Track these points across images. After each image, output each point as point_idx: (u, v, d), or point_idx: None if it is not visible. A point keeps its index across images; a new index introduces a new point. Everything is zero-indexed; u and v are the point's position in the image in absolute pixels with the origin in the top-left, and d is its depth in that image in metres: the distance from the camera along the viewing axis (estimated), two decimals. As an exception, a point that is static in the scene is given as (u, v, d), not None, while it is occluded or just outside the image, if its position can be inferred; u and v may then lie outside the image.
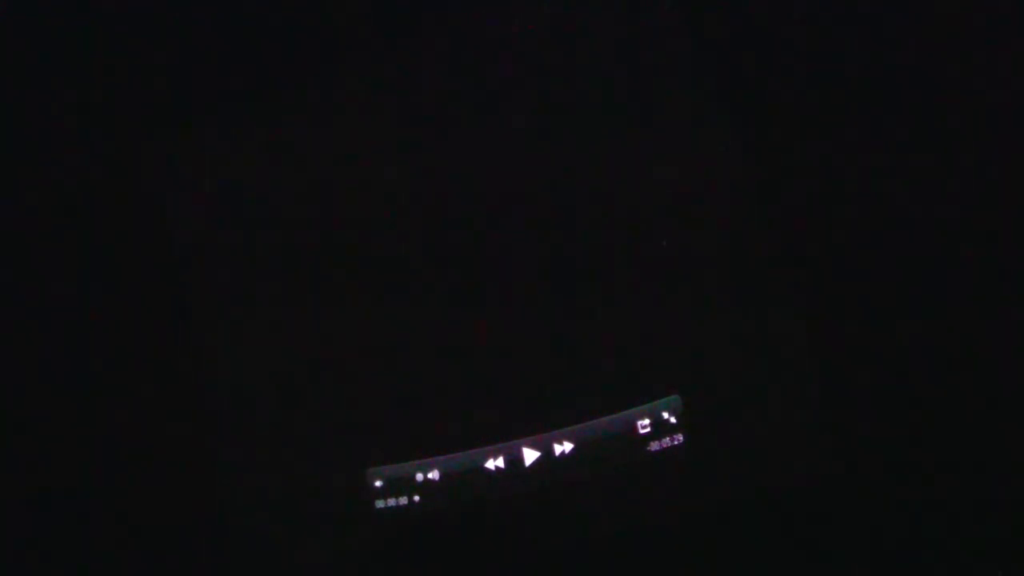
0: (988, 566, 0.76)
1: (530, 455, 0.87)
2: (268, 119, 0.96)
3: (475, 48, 0.92)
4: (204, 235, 0.97)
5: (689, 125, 0.86)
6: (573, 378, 0.87)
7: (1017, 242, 0.80)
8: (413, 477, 0.89)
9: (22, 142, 0.99)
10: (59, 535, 0.93)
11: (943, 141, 0.82)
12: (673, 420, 0.84)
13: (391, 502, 0.89)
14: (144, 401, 0.95)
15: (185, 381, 0.95)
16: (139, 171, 0.98)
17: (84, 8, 0.97)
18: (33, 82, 0.99)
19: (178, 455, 0.94)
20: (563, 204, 0.88)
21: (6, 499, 0.95)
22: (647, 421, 0.85)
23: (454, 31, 0.92)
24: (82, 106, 0.99)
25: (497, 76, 0.91)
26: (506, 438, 0.87)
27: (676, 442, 0.84)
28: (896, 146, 0.83)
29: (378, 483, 0.89)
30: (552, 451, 0.86)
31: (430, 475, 0.88)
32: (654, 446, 0.84)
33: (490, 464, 0.87)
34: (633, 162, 0.87)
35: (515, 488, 0.87)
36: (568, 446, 0.86)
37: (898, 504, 0.79)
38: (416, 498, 0.89)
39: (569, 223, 0.88)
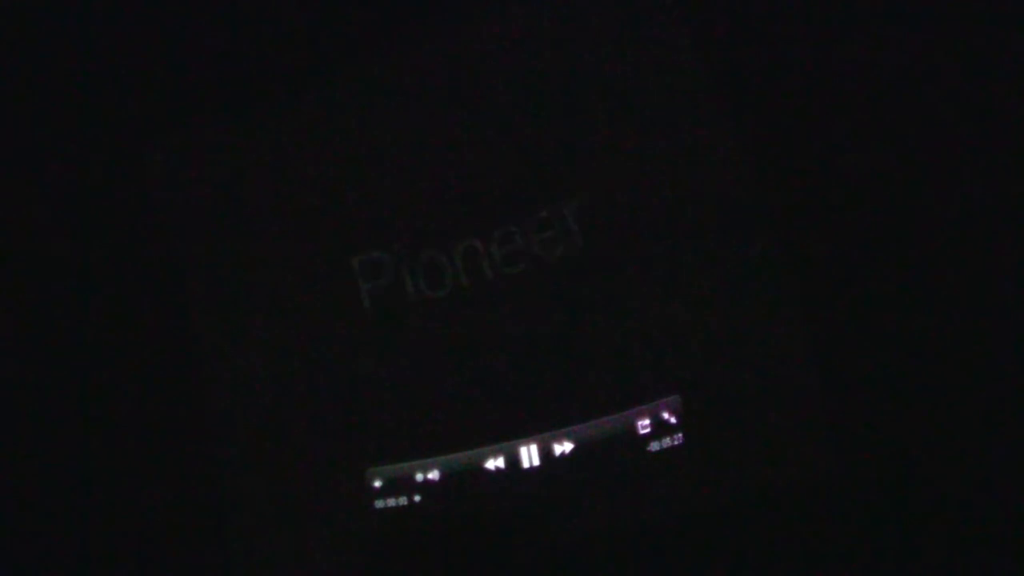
0: (989, 566, 0.76)
1: (530, 455, 0.87)
2: (268, 120, 0.96)
3: (475, 48, 0.91)
4: (204, 235, 0.97)
5: (689, 124, 0.86)
6: (573, 378, 0.87)
7: (1019, 241, 0.80)
8: (413, 477, 0.89)
9: (20, 141, 0.99)
10: (58, 535, 0.93)
11: (945, 140, 0.82)
12: (673, 420, 0.84)
13: (391, 502, 0.89)
14: (143, 401, 0.95)
15: (185, 381, 0.95)
16: (139, 171, 0.98)
17: (83, 7, 0.97)
18: (32, 82, 0.99)
19: (178, 455, 0.94)
20: (562, 203, 0.88)
21: (4, 499, 0.95)
22: (647, 421, 0.85)
23: (454, 32, 0.92)
24: (82, 106, 0.98)
25: (496, 76, 0.91)
26: (506, 438, 0.87)
27: (676, 442, 0.84)
28: (898, 145, 0.83)
29: (378, 483, 0.89)
30: (552, 451, 0.86)
31: (430, 475, 0.88)
32: (654, 446, 0.84)
33: (490, 464, 0.87)
34: (632, 161, 0.87)
35: (515, 488, 0.86)
36: (568, 446, 0.86)
37: (898, 504, 0.79)
38: (416, 498, 0.88)
39: (568, 222, 0.88)
